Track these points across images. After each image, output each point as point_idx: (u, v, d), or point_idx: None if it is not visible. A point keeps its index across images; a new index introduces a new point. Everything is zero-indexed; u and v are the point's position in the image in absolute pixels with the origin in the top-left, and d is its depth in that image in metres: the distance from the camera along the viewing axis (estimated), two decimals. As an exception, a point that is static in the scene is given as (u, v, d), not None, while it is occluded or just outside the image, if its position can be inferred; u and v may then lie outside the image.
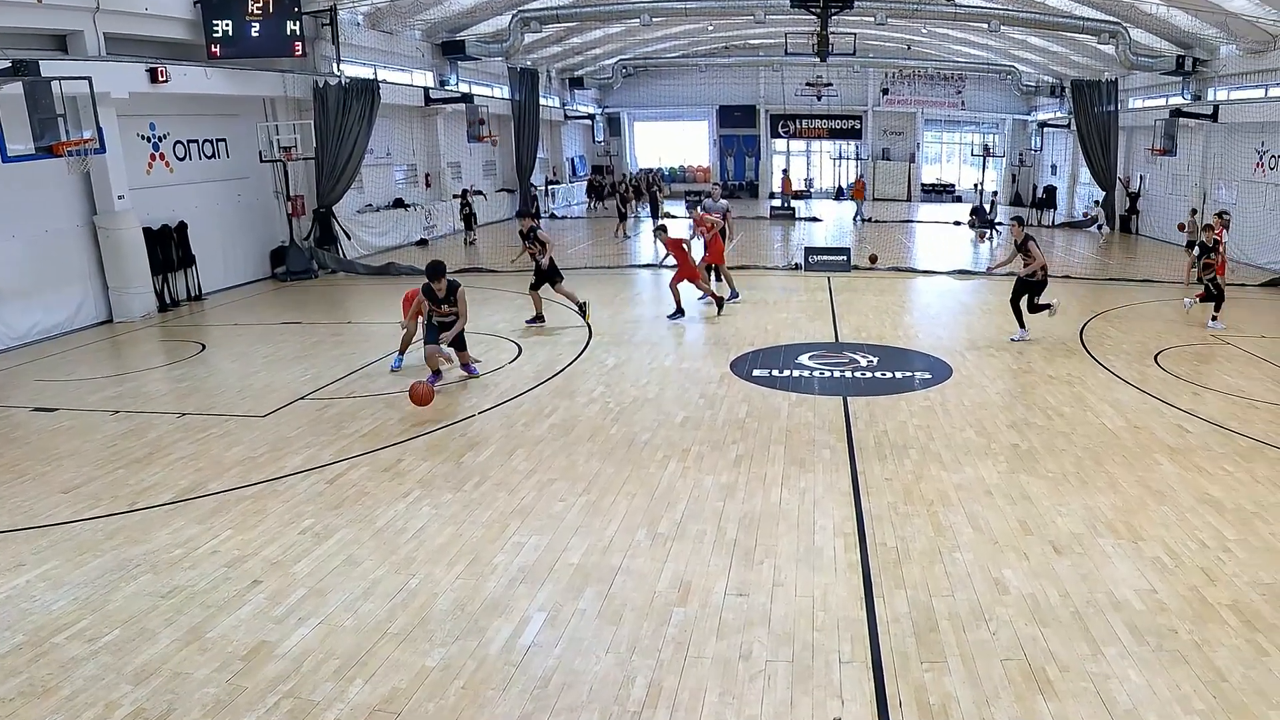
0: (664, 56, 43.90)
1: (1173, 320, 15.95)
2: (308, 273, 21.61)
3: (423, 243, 27.90)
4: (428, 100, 28.45)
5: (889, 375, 12.34)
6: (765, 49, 42.22)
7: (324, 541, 7.36)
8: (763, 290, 18.88)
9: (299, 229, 22.09)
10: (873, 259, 22.32)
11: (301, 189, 22.12)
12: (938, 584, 6.48)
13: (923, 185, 46.20)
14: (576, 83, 42.46)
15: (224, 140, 20.34)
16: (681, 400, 11.22)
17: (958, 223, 33.12)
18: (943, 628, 5.91)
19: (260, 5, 18.71)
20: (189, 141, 19.39)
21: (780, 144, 47.81)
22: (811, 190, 47.32)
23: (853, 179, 44.22)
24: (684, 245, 16.11)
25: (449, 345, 11.79)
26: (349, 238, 23.45)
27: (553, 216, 37.14)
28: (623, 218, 31.05)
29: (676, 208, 38.07)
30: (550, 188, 39.89)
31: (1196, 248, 15.75)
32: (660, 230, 16.73)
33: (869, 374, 12.41)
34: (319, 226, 22.39)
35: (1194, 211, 23.28)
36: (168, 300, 18.09)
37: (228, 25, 18.58)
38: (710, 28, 37.18)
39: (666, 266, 17.75)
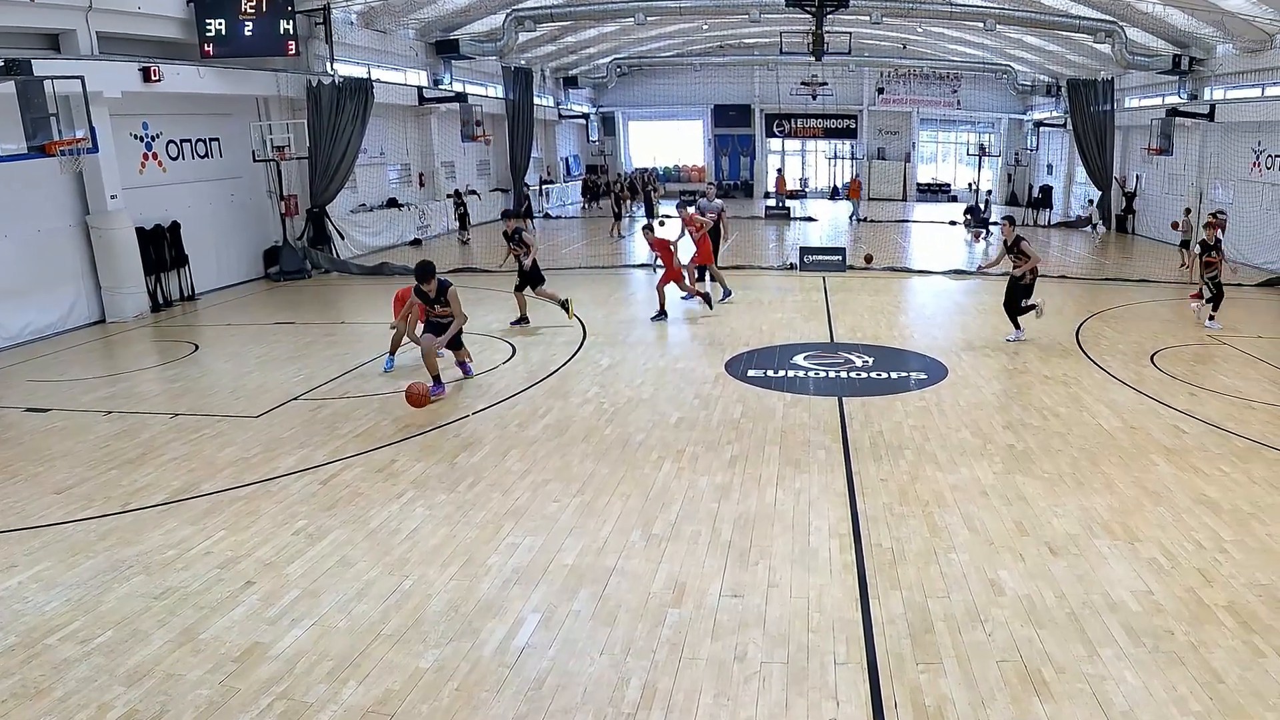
0: (659, 56, 43.91)
1: (1169, 320, 15.96)
2: (301, 273, 21.56)
3: (416, 243, 27.86)
4: (421, 99, 28.40)
5: (884, 375, 12.33)
6: (760, 48, 42.28)
7: (317, 542, 7.33)
8: (758, 290, 18.87)
9: (292, 229, 22.03)
10: (868, 259, 22.31)
11: (295, 189, 22.06)
12: (933, 585, 6.47)
13: (918, 185, 46.22)
14: (571, 82, 42.45)
15: (217, 140, 20.29)
16: (676, 401, 11.19)
17: (953, 222, 33.15)
18: (938, 629, 5.90)
19: (253, 4, 18.66)
20: (182, 141, 19.33)
21: (775, 143, 47.85)
22: (806, 190, 47.33)
23: (848, 179, 44.23)
24: (670, 246, 16.05)
25: (452, 349, 11.72)
26: (342, 237, 23.43)
27: (547, 216, 37.10)
28: (618, 217, 31.02)
29: (666, 207, 38.04)
30: (544, 187, 39.84)
31: (1197, 246, 15.75)
32: (647, 230, 16.73)
33: (864, 374, 12.40)
34: (312, 226, 22.34)
35: (1188, 211, 23.31)
36: (161, 300, 18.04)
37: (220, 24, 18.53)
38: (705, 27, 37.18)
39: (660, 267, 17.70)
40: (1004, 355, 13.39)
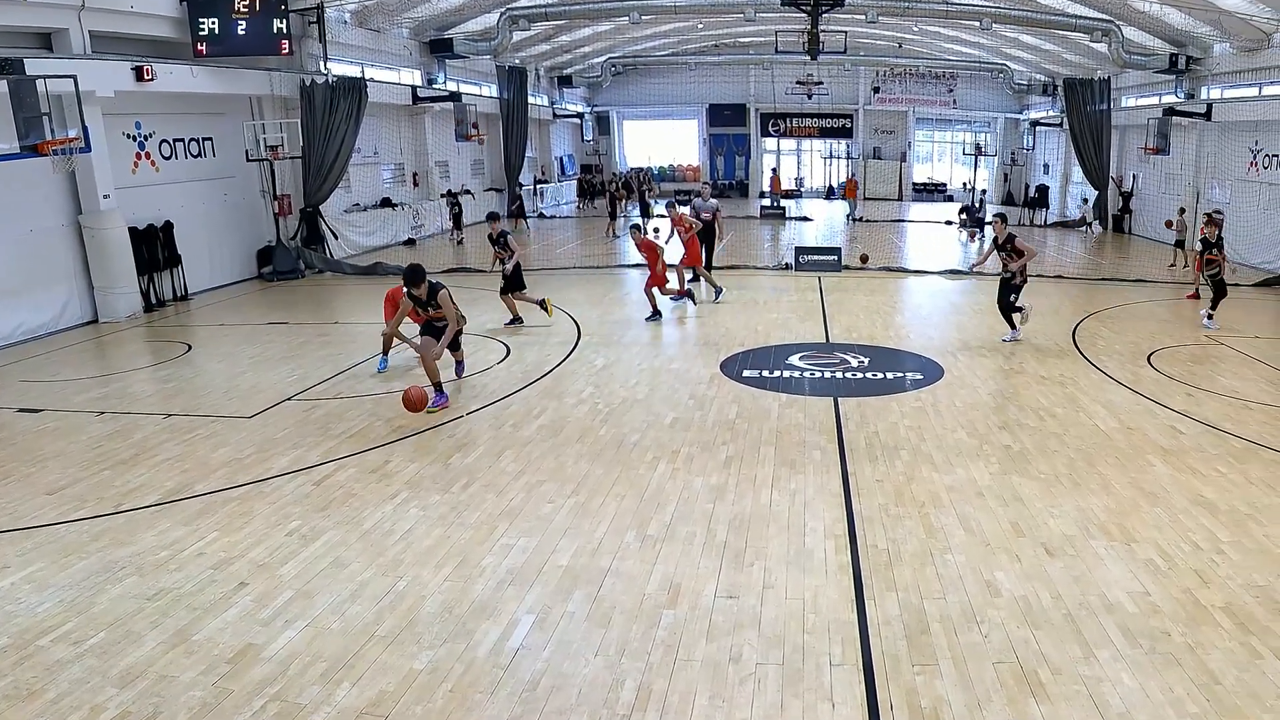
0: (653, 55, 43.90)
1: (1166, 320, 15.97)
2: (294, 272, 21.52)
3: (410, 242, 27.83)
4: (415, 99, 28.37)
5: (880, 376, 12.31)
6: (755, 47, 42.29)
7: (311, 543, 7.30)
8: (753, 290, 18.86)
9: (286, 228, 22.00)
10: (864, 259, 22.32)
11: (288, 188, 22.03)
12: (929, 586, 6.45)
13: (914, 184, 46.27)
14: (565, 81, 42.40)
15: (210, 139, 20.24)
16: (671, 401, 11.17)
17: (949, 222, 33.16)
18: (934, 630, 5.88)
19: (247, 3, 18.59)
20: (175, 140, 19.28)
21: (770, 143, 47.90)
22: (802, 190, 47.34)
23: (843, 178, 44.22)
24: (657, 248, 16.01)
25: (450, 351, 11.54)
26: (336, 237, 23.37)
27: (541, 216, 37.07)
28: (613, 217, 31.01)
29: (660, 207, 38.04)
30: (539, 187, 39.80)
31: (1200, 243, 15.75)
32: (634, 229, 16.70)
33: (860, 375, 12.38)
34: (306, 226, 22.30)
35: (1182, 210, 23.32)
36: (153, 300, 17.99)
37: (214, 23, 18.47)
38: (700, 26, 37.18)
39: (670, 266, 17.69)
40: (1000, 355, 13.38)
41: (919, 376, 12.28)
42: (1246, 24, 21.67)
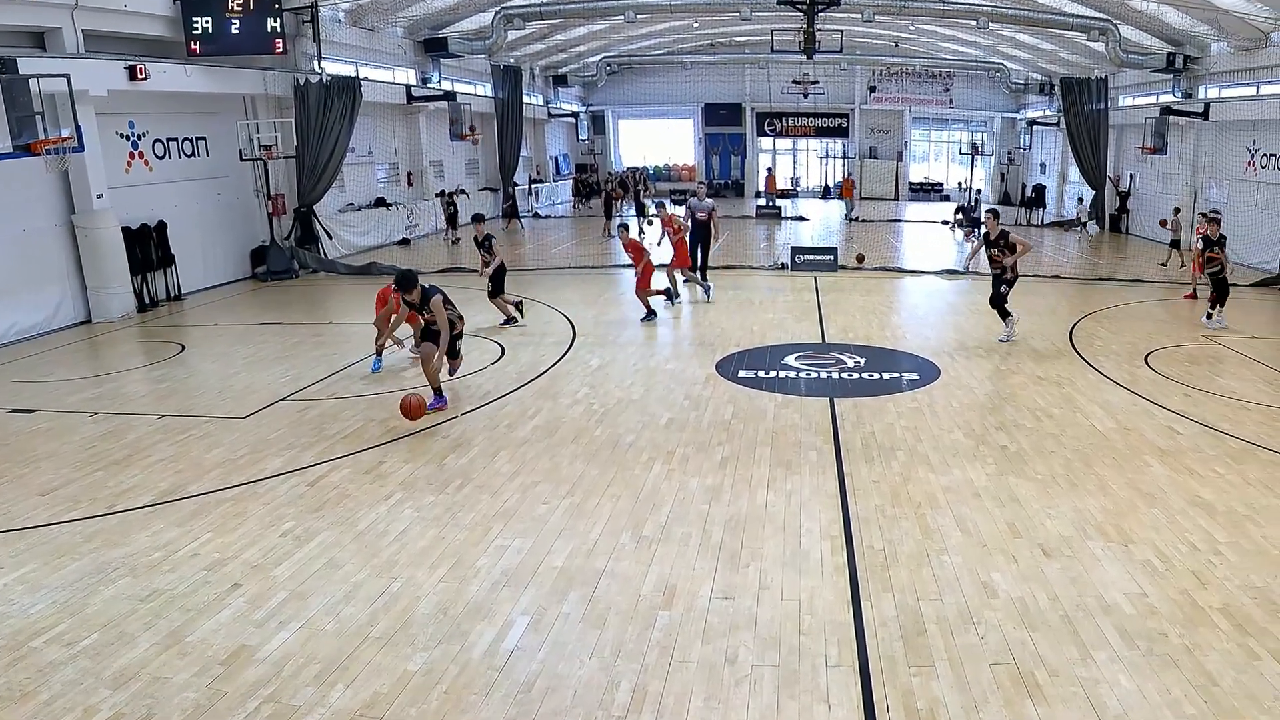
0: (649, 54, 43.85)
1: (1163, 321, 15.99)
2: (288, 273, 21.46)
3: (405, 242, 27.77)
4: (410, 98, 28.30)
5: (876, 376, 12.30)
6: (751, 46, 42.25)
7: (305, 544, 7.28)
8: (749, 290, 18.85)
9: (279, 228, 21.93)
10: (860, 259, 22.31)
11: (282, 188, 21.96)
12: (925, 587, 6.43)
13: (910, 184, 46.25)
14: (560, 80, 42.36)
15: (204, 139, 20.18)
16: (666, 402, 11.15)
17: (945, 222, 33.15)
18: (930, 631, 5.86)
19: (240, 2, 18.56)
20: (168, 140, 19.22)
21: (766, 142, 47.85)
22: (798, 189, 47.32)
23: (840, 178, 44.23)
24: (643, 248, 15.97)
25: (448, 358, 11.23)
26: (330, 237, 23.32)
27: (536, 216, 37.03)
28: (609, 217, 30.97)
29: (652, 207, 38.01)
30: (534, 186, 39.76)
31: (1201, 242, 15.74)
32: (622, 229, 16.69)
33: (856, 375, 12.37)
34: (300, 226, 22.24)
35: (1177, 210, 23.34)
36: (147, 300, 17.93)
37: (207, 22, 18.42)
38: (695, 25, 37.15)
39: (658, 266, 17.65)
40: (997, 356, 13.37)
41: (915, 377, 12.26)
42: (1244, 23, 21.68)
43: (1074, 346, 13.90)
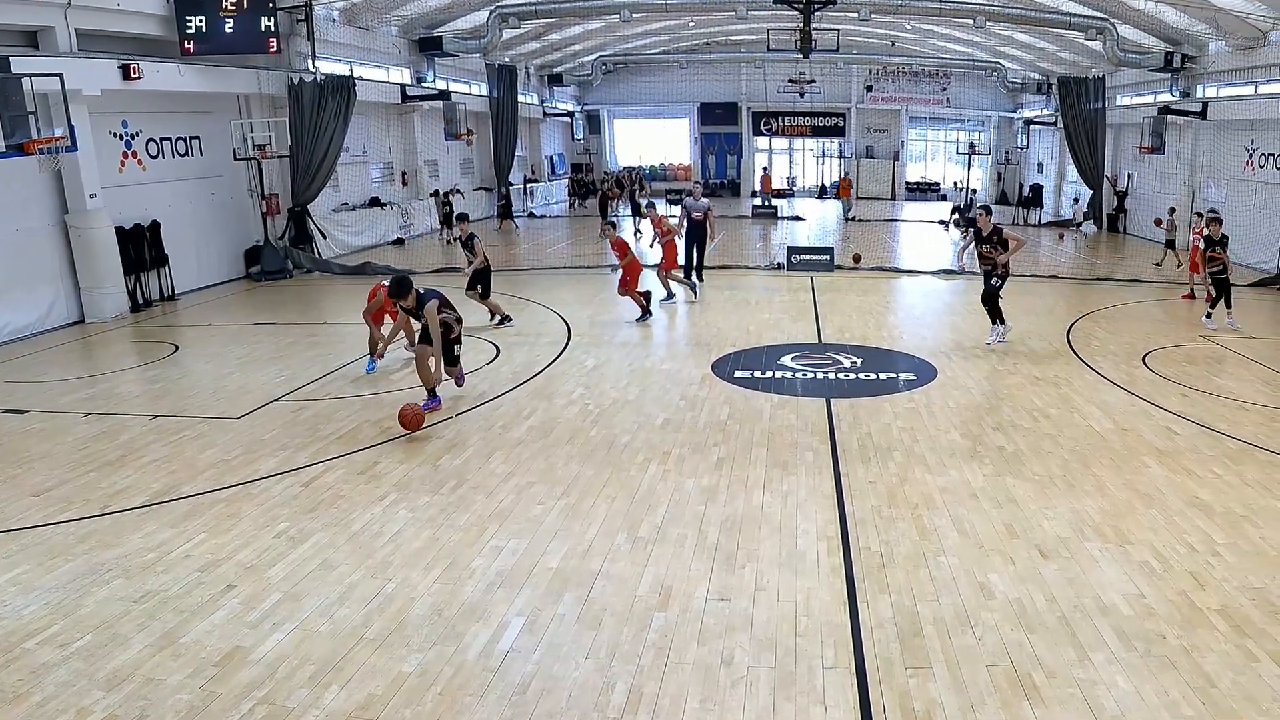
0: (645, 53, 43.85)
1: (1161, 321, 15.99)
2: (282, 272, 21.41)
3: (399, 242, 27.76)
4: (404, 97, 28.27)
5: (873, 377, 12.28)
6: (747, 45, 42.23)
7: (299, 545, 7.24)
8: (745, 290, 18.84)
9: (274, 228, 21.90)
10: (856, 258, 22.30)
11: (276, 187, 21.93)
12: (922, 588, 6.41)
13: (907, 183, 46.27)
14: (555, 79, 42.37)
15: (197, 138, 20.13)
16: (662, 402, 11.12)
17: (941, 222, 33.16)
18: (927, 633, 5.84)
19: (234, 1, 18.52)
20: (162, 139, 19.17)
21: (763, 142, 47.86)
22: (794, 189, 47.33)
23: (836, 177, 44.24)
24: (628, 246, 15.93)
25: (446, 366, 11.03)
26: (324, 237, 23.29)
27: (531, 215, 36.99)
28: (605, 216, 30.94)
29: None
30: (529, 186, 39.74)
31: (1203, 241, 15.74)
32: (610, 226, 16.66)
33: (852, 375, 12.35)
34: (294, 225, 22.20)
35: (1173, 210, 23.34)
36: (140, 300, 17.88)
37: (201, 21, 18.38)
38: (691, 24, 37.14)
39: (647, 266, 17.63)
40: (994, 356, 13.36)
41: (912, 377, 12.24)
42: (1242, 22, 21.69)
43: (1071, 347, 13.90)
